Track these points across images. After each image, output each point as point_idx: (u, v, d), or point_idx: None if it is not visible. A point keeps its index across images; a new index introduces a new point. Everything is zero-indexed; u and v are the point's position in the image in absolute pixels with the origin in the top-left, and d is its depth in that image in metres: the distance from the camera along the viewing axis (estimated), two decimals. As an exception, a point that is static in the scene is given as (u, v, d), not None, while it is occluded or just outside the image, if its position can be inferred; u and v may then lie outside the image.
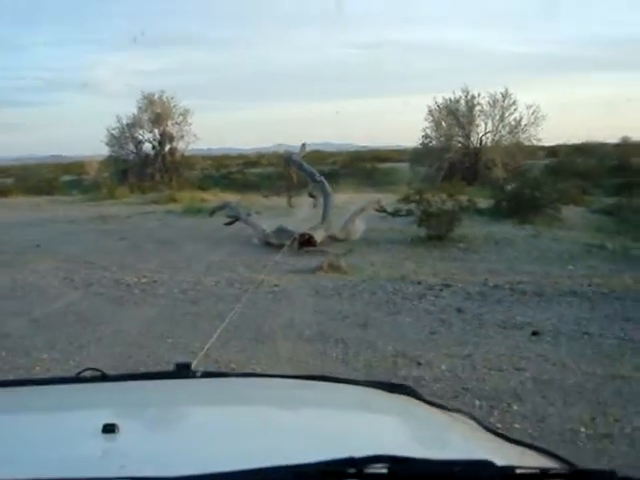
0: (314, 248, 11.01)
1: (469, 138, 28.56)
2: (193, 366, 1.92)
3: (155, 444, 1.21)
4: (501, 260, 9.84)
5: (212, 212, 14.23)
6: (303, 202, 14.27)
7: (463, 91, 28.48)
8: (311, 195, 13.96)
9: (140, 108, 30.61)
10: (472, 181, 25.25)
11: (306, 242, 11.15)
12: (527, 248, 10.93)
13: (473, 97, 28.36)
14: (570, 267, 9.25)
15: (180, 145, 31.03)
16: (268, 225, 12.27)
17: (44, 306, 7.65)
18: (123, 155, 31.18)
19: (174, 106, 30.78)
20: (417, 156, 29.95)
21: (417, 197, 11.80)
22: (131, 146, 31.11)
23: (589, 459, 3.77)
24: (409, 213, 12.14)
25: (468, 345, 5.82)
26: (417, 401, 1.58)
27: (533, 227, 13.11)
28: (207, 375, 1.76)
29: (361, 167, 33.47)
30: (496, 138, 28.30)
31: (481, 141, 28.43)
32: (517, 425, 4.22)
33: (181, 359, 5.04)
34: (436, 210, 11.44)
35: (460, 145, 28.64)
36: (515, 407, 4.48)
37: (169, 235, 13.35)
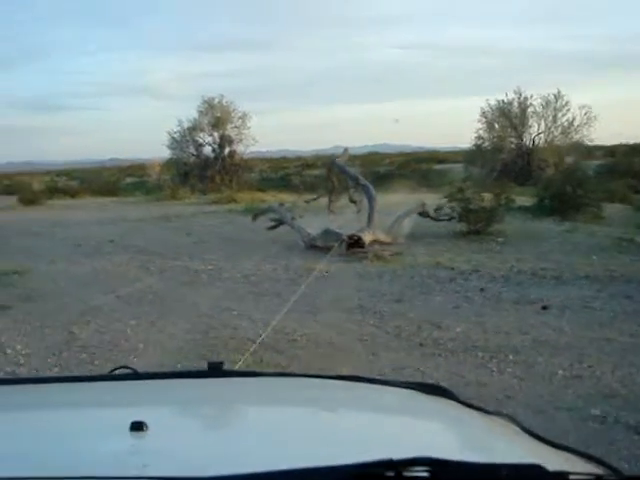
0: (362, 250, 11.25)
1: (522, 139, 29.49)
2: (262, 334, 2.63)
3: (183, 443, 1.21)
4: (533, 252, 10.94)
5: (255, 215, 14.41)
6: (344, 208, 14.73)
7: (516, 93, 29.47)
8: (352, 200, 14.18)
9: (201, 112, 32.29)
10: (525, 181, 26.13)
11: (354, 244, 11.37)
12: (560, 242, 12.00)
13: (526, 99, 29.33)
14: (594, 257, 10.33)
15: (239, 148, 32.61)
16: (312, 229, 12.46)
17: (126, 287, 9.08)
18: (184, 158, 32.84)
19: (233, 110, 32.40)
20: (471, 157, 30.97)
21: (459, 195, 12.93)
22: (192, 149, 32.80)
23: (559, 391, 4.99)
24: (451, 218, 13.07)
25: (484, 316, 7.06)
26: (455, 403, 1.58)
27: (572, 223, 14.11)
28: (240, 374, 1.83)
29: (416, 168, 34.58)
30: (549, 139, 29.16)
31: (533, 142, 29.33)
32: (509, 369, 5.46)
33: (244, 325, 6.44)
34: (475, 207, 12.61)
35: (513, 146, 29.57)
36: (511, 357, 5.72)
37: (230, 232, 14.74)
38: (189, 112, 41.51)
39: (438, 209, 13.16)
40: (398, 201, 15.01)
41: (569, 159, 28.74)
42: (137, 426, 1.16)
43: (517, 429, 1.43)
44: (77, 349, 6.40)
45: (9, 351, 6.35)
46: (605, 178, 26.92)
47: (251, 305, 7.88)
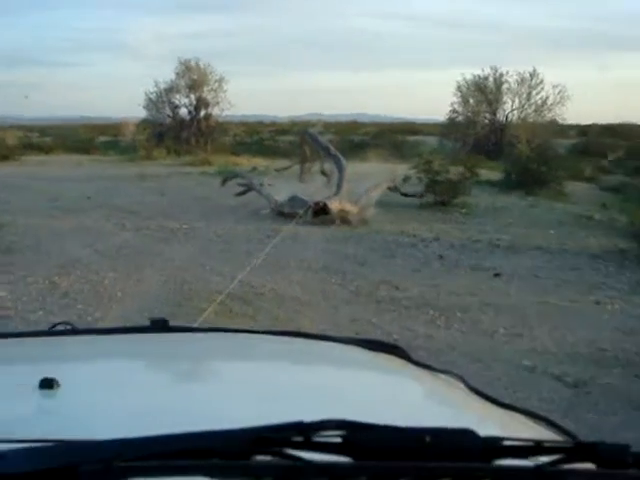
0: (329, 216, 11.48)
1: (495, 115, 30.09)
2: (230, 289, 2.77)
3: (95, 403, 1.13)
4: (494, 224, 11.57)
5: (224, 181, 14.50)
6: (316, 176, 14.91)
7: (492, 69, 30.03)
8: (323, 173, 14.42)
9: (177, 74, 32.51)
10: (497, 157, 26.79)
11: (320, 210, 11.62)
12: (522, 215, 12.63)
13: (501, 75, 29.88)
14: (551, 231, 10.99)
15: (215, 111, 32.90)
16: (281, 196, 12.67)
17: (103, 242, 9.59)
18: (159, 119, 33.05)
19: (210, 73, 32.64)
20: (445, 130, 31.57)
21: (426, 167, 13.52)
22: (168, 110, 32.98)
23: (498, 345, 5.62)
24: (421, 195, 13.50)
25: (439, 279, 7.69)
26: (402, 361, 1.54)
27: (535, 199, 14.78)
28: (182, 330, 1.73)
29: (391, 139, 35.14)
30: (522, 116, 29.82)
31: (507, 118, 29.97)
32: (456, 325, 6.09)
33: (216, 279, 6.99)
34: (442, 179, 13.22)
35: (486, 121, 30.19)
36: (459, 315, 6.35)
37: (204, 192, 15.20)
38: (165, 72, 41.68)
39: (406, 179, 13.71)
40: (369, 171, 15.53)
41: (541, 137, 29.46)
42: (47, 383, 1.10)
43: (465, 389, 1.42)
44: (59, 296, 6.93)
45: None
46: (576, 157, 27.82)
47: (222, 262, 8.43)
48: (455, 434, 0.80)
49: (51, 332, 1.74)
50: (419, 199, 13.39)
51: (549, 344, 5.65)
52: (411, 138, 36.62)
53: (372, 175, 14.07)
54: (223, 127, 34.07)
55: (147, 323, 1.62)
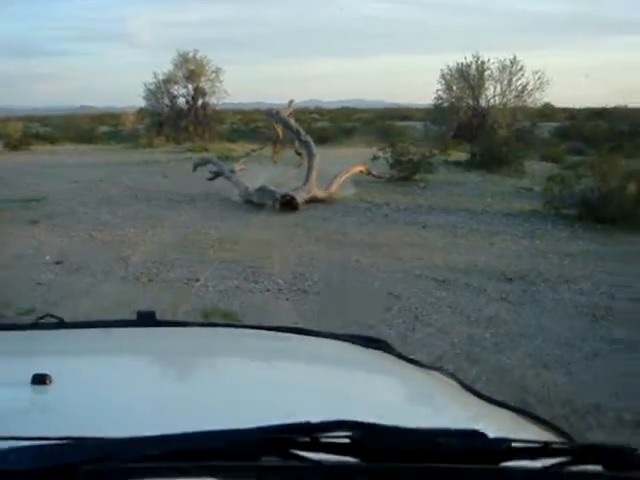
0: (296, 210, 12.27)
1: (478, 101, 33.00)
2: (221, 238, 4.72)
3: (89, 399, 1.16)
4: (444, 195, 14.49)
5: (195, 167, 15.63)
6: (291, 158, 16.02)
7: (474, 56, 32.93)
8: (297, 152, 15.24)
9: (175, 65, 35.54)
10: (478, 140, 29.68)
11: (288, 203, 12.34)
12: (472, 188, 15.53)
13: (483, 62, 32.79)
14: (489, 199, 13.90)
15: (212, 100, 35.98)
16: (256, 180, 13.52)
17: (122, 210, 12.54)
18: (158, 108, 36.10)
19: (207, 64, 35.69)
20: (430, 116, 34.52)
21: (391, 149, 16.45)
22: (166, 100, 36.07)
23: (408, 265, 8.58)
24: (391, 177, 16.02)
25: (379, 230, 10.67)
26: (393, 357, 1.60)
27: (491, 175, 17.61)
28: (171, 324, 1.78)
29: (381, 125, 38.11)
30: (503, 101, 32.71)
31: (489, 103, 32.88)
32: (379, 255, 9.04)
33: (212, 233, 10.00)
34: (404, 159, 16.15)
35: (470, 107, 33.09)
36: (384, 250, 9.31)
37: (202, 175, 18.17)
38: (162, 61, 44.55)
39: (374, 159, 16.54)
40: (350, 154, 18.24)
41: (521, 121, 32.39)
42: (40, 379, 1.12)
43: (456, 386, 1.47)
44: (97, 244, 9.90)
45: (51, 244, 9.81)
46: (558, 140, 30.73)
47: (218, 222, 11.38)
48: (465, 436, 0.84)
49: (37, 325, 1.69)
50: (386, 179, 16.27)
51: (439, 263, 8.62)
52: (400, 124, 39.53)
53: (353, 158, 16.59)
54: (219, 115, 37.03)
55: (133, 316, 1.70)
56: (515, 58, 32.59)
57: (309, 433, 0.82)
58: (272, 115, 16.14)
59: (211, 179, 14.77)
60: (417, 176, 16.26)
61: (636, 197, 11.36)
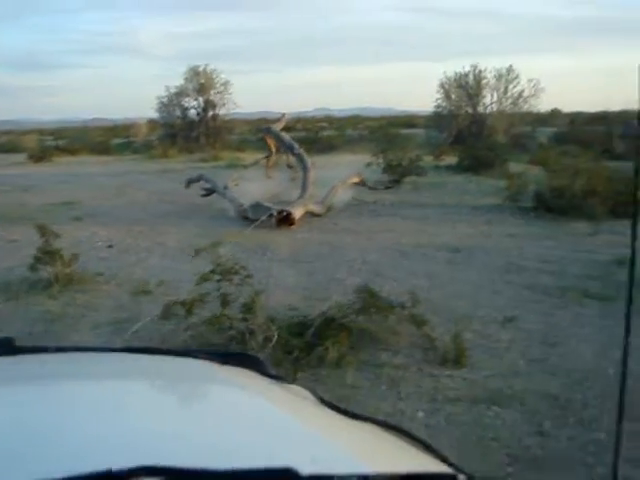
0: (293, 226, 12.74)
1: (476, 108, 35.91)
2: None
3: None
4: (427, 194, 17.34)
5: (188, 183, 16.45)
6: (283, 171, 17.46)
7: (472, 66, 35.88)
8: (289, 166, 16.26)
9: (186, 79, 38.69)
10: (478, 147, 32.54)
11: (284, 219, 12.73)
12: (455, 189, 18.29)
13: (480, 71, 35.74)
14: (466, 196, 16.73)
15: (222, 111, 39.12)
16: (250, 194, 14.18)
17: (152, 210, 15.44)
18: (170, 120, 39.26)
19: (216, 77, 38.86)
20: (430, 123, 37.51)
21: (381, 155, 19.32)
22: (178, 112, 39.23)
23: (377, 243, 11.45)
24: (387, 187, 18.16)
25: (364, 221, 13.52)
26: (251, 373, 1.55)
27: (477, 178, 20.43)
28: (30, 350, 1.64)
29: (386, 132, 41.04)
30: (500, 108, 35.59)
31: (486, 110, 35.78)
32: (361, 237, 11.89)
33: (226, 206, 12.91)
34: (395, 164, 19.01)
35: (468, 114, 36.00)
36: (364, 234, 12.16)
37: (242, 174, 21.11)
38: (172, 73, 47.62)
39: (368, 165, 19.35)
40: (354, 160, 20.49)
41: (519, 127, 35.30)
42: None
43: (314, 401, 1.47)
44: (136, 233, 12.77)
45: (99, 234, 12.67)
46: (553, 145, 33.46)
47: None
48: (276, 474, 0.80)
49: None
50: (381, 178, 19.07)
51: (406, 242, 11.46)
52: (405, 131, 42.43)
53: (356, 164, 18.75)
54: (229, 126, 40.12)
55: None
56: (511, 67, 35.51)
57: None
58: (263, 131, 17.12)
59: (204, 195, 15.63)
60: (407, 179, 19.09)
61: (584, 191, 14.18)
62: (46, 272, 8.52)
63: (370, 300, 6.26)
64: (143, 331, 6.63)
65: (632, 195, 1.60)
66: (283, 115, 18.12)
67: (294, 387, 1.56)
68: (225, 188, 14.81)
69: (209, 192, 15.29)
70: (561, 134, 38.15)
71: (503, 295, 8.15)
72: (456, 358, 5.82)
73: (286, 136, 16.53)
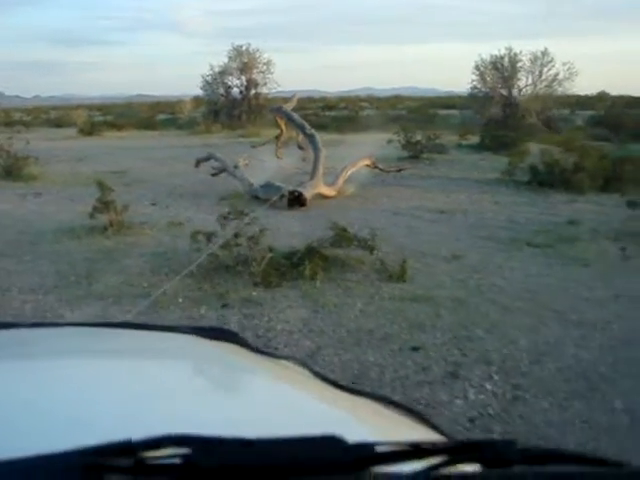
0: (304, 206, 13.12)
1: (511, 90, 37.98)
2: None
3: None
4: (441, 169, 19.67)
5: (197, 162, 16.73)
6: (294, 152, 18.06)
7: (507, 49, 37.94)
8: (300, 147, 16.59)
9: (230, 58, 41.42)
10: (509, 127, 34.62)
11: (296, 199, 13.07)
12: (469, 165, 20.57)
13: (515, 54, 37.80)
14: (476, 172, 19.03)
15: (264, 90, 41.74)
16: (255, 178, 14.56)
17: (191, 178, 17.98)
18: (214, 98, 42.05)
19: (259, 57, 41.48)
20: (467, 104, 39.73)
21: (402, 133, 21.68)
22: (221, 90, 42.04)
23: (380, 206, 13.90)
24: (399, 170, 19.23)
25: (377, 189, 15.89)
26: (241, 349, 1.59)
27: (495, 156, 22.60)
28: (5, 326, 1.67)
29: (425, 112, 43.35)
30: (534, 91, 37.62)
31: (520, 93, 37.85)
32: (368, 202, 14.32)
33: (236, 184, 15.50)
34: (413, 140, 21.38)
35: (503, 96, 38.09)
36: (371, 199, 14.59)
37: (251, 154, 23.59)
38: (215, 50, 50.25)
39: (390, 141, 21.73)
40: (377, 139, 22.64)
41: (553, 110, 37.36)
42: None
43: (309, 375, 1.49)
44: (177, 195, 15.32)
45: (146, 195, 15.25)
46: (587, 127, 35.32)
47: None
48: (319, 443, 0.78)
49: None
50: (401, 154, 21.42)
51: (402, 205, 13.84)
52: (443, 112, 44.65)
53: (377, 143, 21.18)
54: (271, 104, 42.53)
55: None
56: (546, 49, 37.51)
57: (131, 454, 0.73)
58: (274, 111, 17.45)
59: (214, 175, 16.02)
60: (426, 155, 21.47)
61: (574, 167, 16.43)
62: (102, 219, 11.10)
63: (341, 235, 8.74)
64: (175, 258, 9.23)
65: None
66: (294, 95, 18.41)
67: (285, 362, 1.61)
68: (235, 167, 15.14)
69: (219, 171, 15.64)
70: (598, 117, 39.91)
71: (462, 243, 10.56)
72: (399, 277, 8.29)
73: (296, 115, 16.60)
